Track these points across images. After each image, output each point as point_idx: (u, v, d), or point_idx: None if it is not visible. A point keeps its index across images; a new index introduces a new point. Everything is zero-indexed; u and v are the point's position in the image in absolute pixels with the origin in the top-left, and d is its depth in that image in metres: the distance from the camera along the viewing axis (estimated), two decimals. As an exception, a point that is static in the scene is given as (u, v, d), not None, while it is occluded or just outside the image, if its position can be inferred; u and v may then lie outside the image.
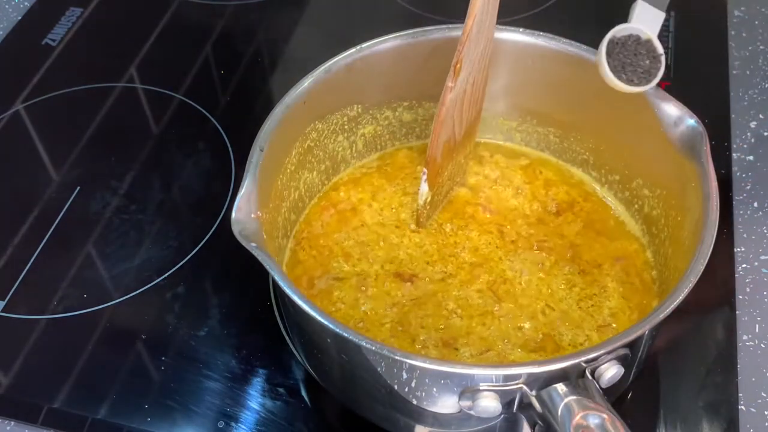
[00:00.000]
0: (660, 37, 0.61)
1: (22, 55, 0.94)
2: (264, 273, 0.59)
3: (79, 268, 0.73)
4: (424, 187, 0.67)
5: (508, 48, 0.69)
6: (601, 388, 0.52)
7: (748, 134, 0.83)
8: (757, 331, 0.68)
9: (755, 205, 0.77)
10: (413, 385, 0.53)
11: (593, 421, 0.49)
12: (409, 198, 0.72)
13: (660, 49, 0.61)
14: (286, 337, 0.68)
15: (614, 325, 0.63)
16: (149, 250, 0.74)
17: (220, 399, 0.64)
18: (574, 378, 0.51)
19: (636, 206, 0.70)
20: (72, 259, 0.74)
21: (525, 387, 0.51)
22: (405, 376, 0.53)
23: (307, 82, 0.66)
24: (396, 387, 0.54)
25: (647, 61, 0.61)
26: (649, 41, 0.61)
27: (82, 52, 0.95)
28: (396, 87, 0.73)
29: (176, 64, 0.92)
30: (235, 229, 0.56)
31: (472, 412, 0.52)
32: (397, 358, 0.51)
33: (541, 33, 0.69)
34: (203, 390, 0.65)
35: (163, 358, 0.67)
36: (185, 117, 0.86)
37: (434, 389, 0.53)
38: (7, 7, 1.01)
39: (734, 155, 0.81)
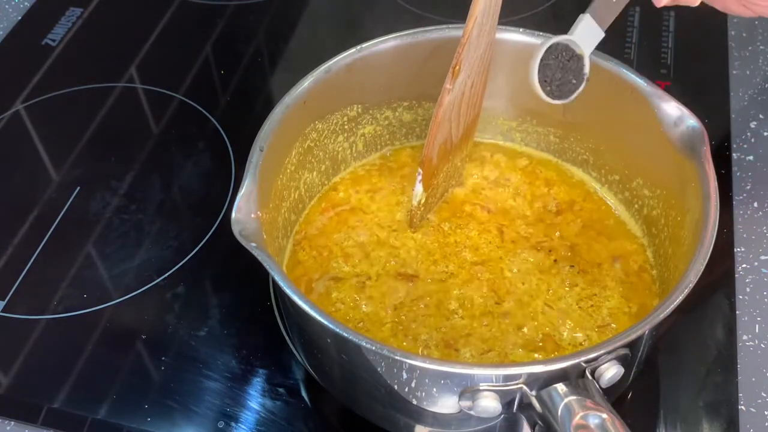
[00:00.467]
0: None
1: (22, 55, 0.94)
2: (264, 273, 0.59)
3: (79, 268, 0.73)
4: (419, 188, 0.67)
5: (508, 48, 0.69)
6: (601, 388, 0.52)
7: (748, 134, 0.83)
8: (757, 331, 0.68)
9: (755, 205, 0.77)
10: (413, 385, 0.53)
11: (593, 421, 0.49)
12: (408, 198, 0.72)
13: (587, 69, 0.63)
14: (286, 337, 0.68)
15: (614, 325, 0.63)
16: (149, 250, 0.74)
17: (220, 399, 0.64)
18: (574, 378, 0.51)
19: (636, 206, 0.70)
20: (72, 259, 0.74)
21: (525, 387, 0.51)
22: (405, 376, 0.53)
23: (307, 82, 0.66)
24: (396, 387, 0.54)
25: (571, 77, 0.62)
26: (581, 58, 0.62)
27: (82, 52, 0.95)
28: (396, 87, 0.73)
29: (176, 64, 0.92)
30: (235, 229, 0.56)
31: (472, 412, 0.52)
32: (397, 358, 0.51)
33: (541, 33, 0.69)
34: (203, 390, 0.65)
35: (163, 358, 0.67)
36: (185, 117, 0.86)
37: (434, 389, 0.53)
38: (7, 7, 1.01)
39: (734, 155, 0.81)
